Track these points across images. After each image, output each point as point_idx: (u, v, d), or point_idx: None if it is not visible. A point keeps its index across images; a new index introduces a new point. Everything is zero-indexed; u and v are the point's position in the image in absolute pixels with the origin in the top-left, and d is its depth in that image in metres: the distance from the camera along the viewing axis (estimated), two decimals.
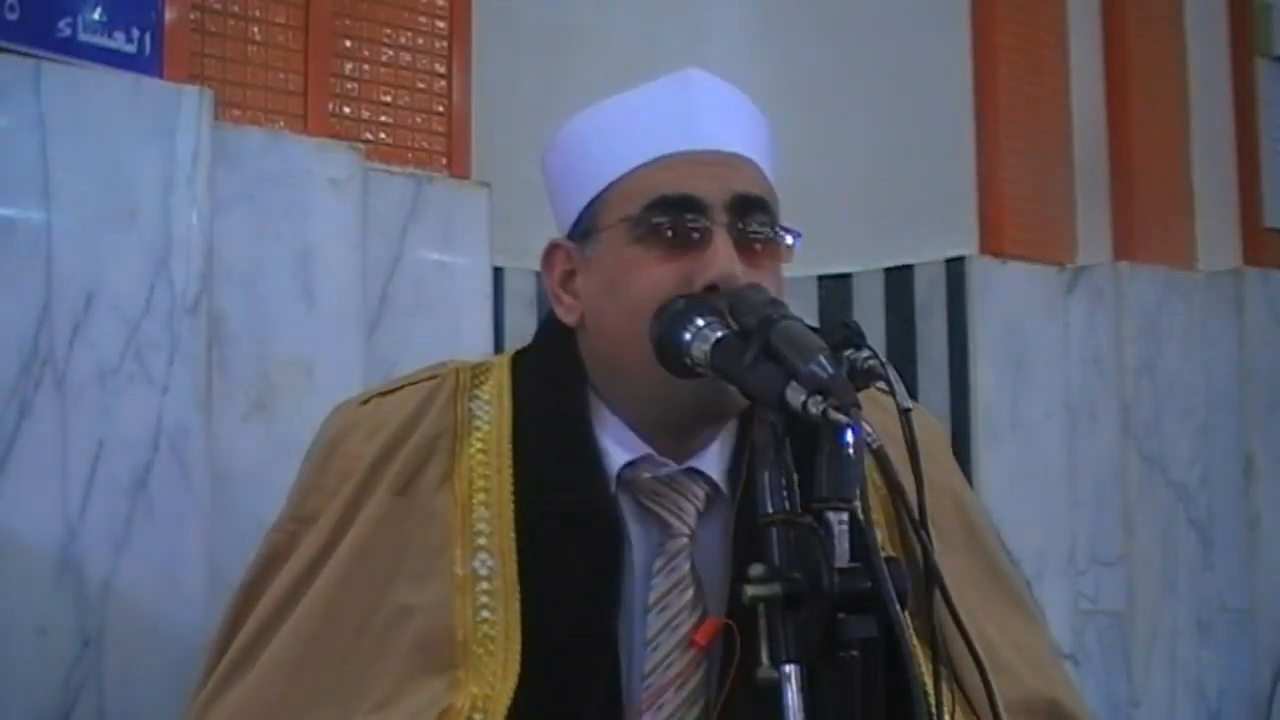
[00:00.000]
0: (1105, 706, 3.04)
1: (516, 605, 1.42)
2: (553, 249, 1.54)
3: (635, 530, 1.47)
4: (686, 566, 1.46)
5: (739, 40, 3.16)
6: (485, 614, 1.42)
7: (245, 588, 1.54)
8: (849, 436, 1.16)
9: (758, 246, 1.45)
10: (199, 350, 2.01)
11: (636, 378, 1.44)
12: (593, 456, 1.48)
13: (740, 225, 1.44)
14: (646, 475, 1.48)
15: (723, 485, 1.50)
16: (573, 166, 1.52)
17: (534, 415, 1.51)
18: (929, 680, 1.36)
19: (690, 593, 1.45)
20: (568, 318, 1.52)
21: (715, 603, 1.45)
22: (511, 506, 1.46)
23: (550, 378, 1.53)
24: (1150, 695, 3.10)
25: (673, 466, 1.48)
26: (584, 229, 1.50)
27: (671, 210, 1.43)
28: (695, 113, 1.48)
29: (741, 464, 1.48)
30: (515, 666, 1.39)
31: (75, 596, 1.87)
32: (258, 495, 2.02)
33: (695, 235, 1.43)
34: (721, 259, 1.41)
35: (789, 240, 1.48)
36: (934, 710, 1.30)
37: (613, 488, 1.47)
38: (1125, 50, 3.37)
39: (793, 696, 1.13)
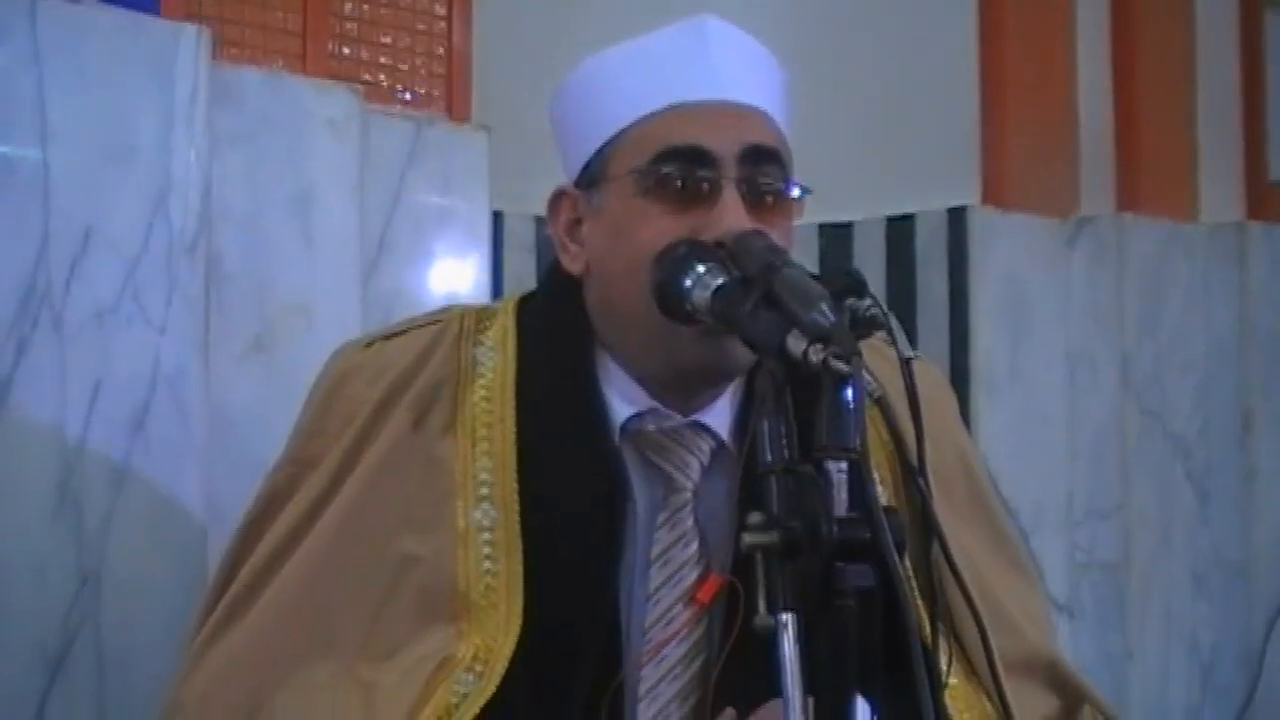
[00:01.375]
0: (1099, 658, 3.05)
1: (519, 557, 1.41)
2: (559, 196, 1.52)
3: (639, 484, 1.46)
4: (690, 521, 1.45)
5: None
6: (488, 565, 1.41)
7: (245, 529, 1.54)
8: (849, 385, 1.15)
9: (769, 199, 1.43)
10: (197, 290, 1.99)
11: (638, 326, 1.42)
12: (597, 408, 1.46)
13: (751, 177, 1.41)
14: (651, 428, 1.46)
15: (728, 440, 1.48)
16: (581, 112, 1.49)
17: (538, 364, 1.49)
18: (927, 632, 1.36)
19: (693, 547, 1.44)
20: (573, 266, 1.50)
21: (720, 558, 1.44)
22: (514, 457, 1.44)
23: (555, 327, 1.51)
24: (1144, 647, 3.11)
25: (678, 419, 1.46)
26: (591, 177, 1.47)
27: (681, 161, 1.40)
28: (710, 62, 1.44)
29: (748, 418, 1.46)
30: (517, 618, 1.38)
31: (73, 536, 1.87)
32: (255, 436, 2.02)
33: (705, 187, 1.40)
34: (730, 216, 1.38)
35: (796, 193, 1.45)
36: (930, 661, 1.30)
37: (616, 440, 1.46)
38: (1131, 1, 3.34)
39: (789, 645, 1.12)
